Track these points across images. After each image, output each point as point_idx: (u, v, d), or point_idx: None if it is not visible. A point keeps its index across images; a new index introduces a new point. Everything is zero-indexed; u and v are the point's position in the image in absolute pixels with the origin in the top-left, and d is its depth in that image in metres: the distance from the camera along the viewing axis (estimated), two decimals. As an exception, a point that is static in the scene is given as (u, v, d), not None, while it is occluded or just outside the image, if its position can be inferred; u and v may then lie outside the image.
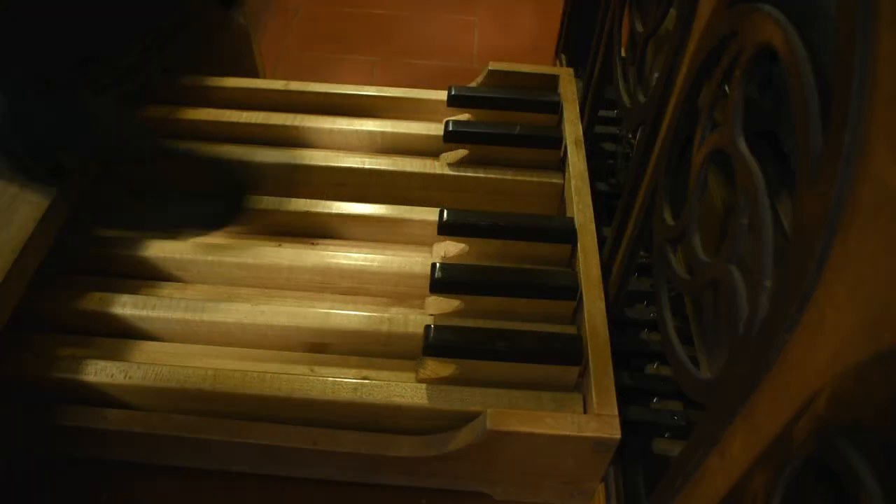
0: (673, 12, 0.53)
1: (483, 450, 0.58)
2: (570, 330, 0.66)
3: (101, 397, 0.61)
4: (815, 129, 0.28)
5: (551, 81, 0.90)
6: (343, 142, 0.83)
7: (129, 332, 0.66)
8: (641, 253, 0.65)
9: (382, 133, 0.83)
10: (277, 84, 0.87)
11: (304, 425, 0.60)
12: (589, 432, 0.55)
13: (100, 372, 0.59)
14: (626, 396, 0.64)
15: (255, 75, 1.01)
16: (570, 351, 0.61)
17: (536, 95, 0.86)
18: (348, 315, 0.65)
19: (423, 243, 0.76)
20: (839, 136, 0.24)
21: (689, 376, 0.42)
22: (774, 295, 0.30)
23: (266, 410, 0.61)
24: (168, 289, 0.71)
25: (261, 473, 0.65)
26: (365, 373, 0.64)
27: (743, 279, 0.36)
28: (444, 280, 0.66)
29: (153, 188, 0.76)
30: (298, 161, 0.78)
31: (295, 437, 0.60)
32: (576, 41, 1.04)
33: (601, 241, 0.72)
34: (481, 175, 0.79)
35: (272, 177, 0.79)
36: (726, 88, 0.41)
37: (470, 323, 0.64)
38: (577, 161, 0.78)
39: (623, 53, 0.70)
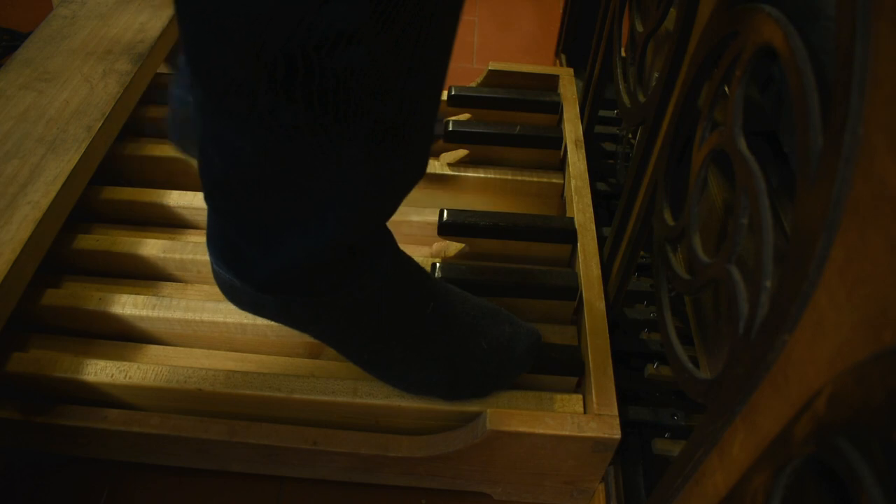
0: (673, 12, 0.53)
1: (483, 450, 0.58)
2: (570, 331, 0.66)
3: (101, 397, 0.61)
4: (815, 129, 0.28)
5: (551, 81, 0.90)
6: (343, 142, 0.83)
7: (129, 333, 0.66)
8: (641, 253, 0.65)
9: (382, 133, 0.82)
10: (277, 84, 0.87)
11: (304, 425, 0.60)
12: (589, 432, 0.55)
13: (100, 372, 0.59)
14: (626, 396, 0.64)
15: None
16: (570, 363, 0.61)
17: (536, 95, 0.87)
18: (348, 315, 0.65)
19: (423, 243, 0.76)
20: (839, 136, 0.24)
21: (689, 376, 0.42)
22: (774, 295, 0.30)
23: (266, 411, 0.61)
24: (168, 289, 0.71)
25: (261, 473, 0.65)
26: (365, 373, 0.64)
27: (743, 279, 0.36)
28: (445, 280, 0.66)
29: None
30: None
31: (295, 437, 0.60)
32: (576, 41, 1.04)
33: (601, 241, 0.72)
34: (481, 175, 0.79)
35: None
36: (726, 88, 0.41)
37: (470, 323, 0.64)
38: (577, 161, 0.78)
39: (623, 53, 0.70)
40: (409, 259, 0.58)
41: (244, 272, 0.51)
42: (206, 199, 0.48)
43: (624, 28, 0.70)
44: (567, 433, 0.55)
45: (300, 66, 0.36)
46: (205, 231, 0.76)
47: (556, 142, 0.82)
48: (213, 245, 0.52)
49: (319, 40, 0.35)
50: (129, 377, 0.59)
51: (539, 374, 0.61)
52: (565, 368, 0.61)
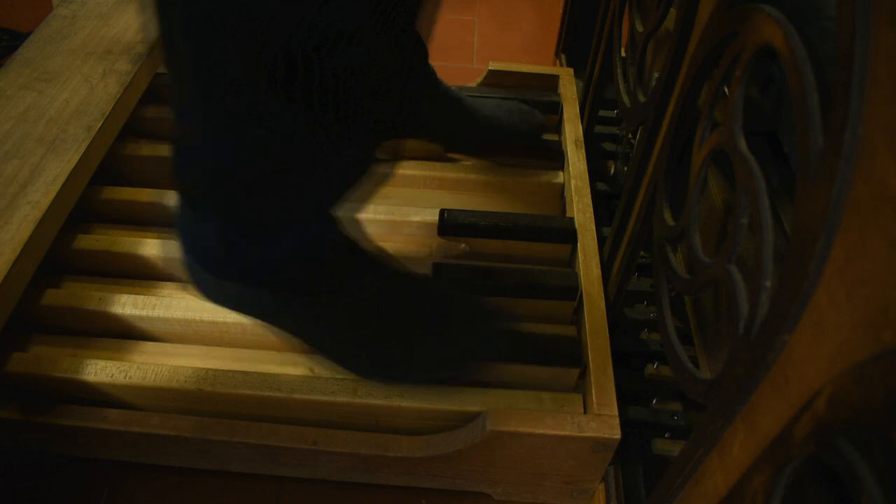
0: (673, 12, 0.53)
1: (483, 450, 0.58)
2: (570, 331, 0.66)
3: (101, 397, 0.61)
4: (815, 129, 0.27)
5: (551, 81, 0.90)
6: (343, 142, 0.83)
7: (129, 332, 0.66)
8: (641, 253, 0.65)
9: (382, 133, 0.82)
10: (277, 84, 0.87)
11: (304, 425, 0.60)
12: (589, 432, 0.55)
13: (100, 372, 0.59)
14: (626, 396, 0.64)
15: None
16: (569, 354, 0.61)
17: (536, 95, 0.86)
18: (348, 315, 0.65)
19: (423, 243, 0.76)
20: (839, 136, 0.24)
21: (689, 376, 0.42)
22: (774, 295, 0.30)
23: (266, 410, 0.61)
24: (168, 289, 0.71)
25: (261, 473, 0.65)
26: (365, 373, 0.64)
27: (743, 279, 0.36)
28: (444, 280, 0.66)
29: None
30: (298, 161, 0.78)
31: (295, 437, 0.60)
32: (576, 41, 1.04)
33: (601, 241, 0.72)
34: (481, 175, 0.79)
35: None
36: (726, 89, 0.41)
37: (470, 323, 0.64)
38: (577, 161, 0.78)
39: (623, 53, 0.70)
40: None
41: (244, 273, 0.51)
42: (198, 198, 0.48)
43: (624, 28, 0.70)
44: (567, 433, 0.55)
45: (300, 65, 0.36)
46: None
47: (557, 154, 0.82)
48: (195, 246, 0.52)
49: (319, 40, 0.35)
50: (129, 377, 0.59)
51: (539, 365, 0.61)
52: (565, 360, 0.61)
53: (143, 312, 0.65)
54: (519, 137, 0.77)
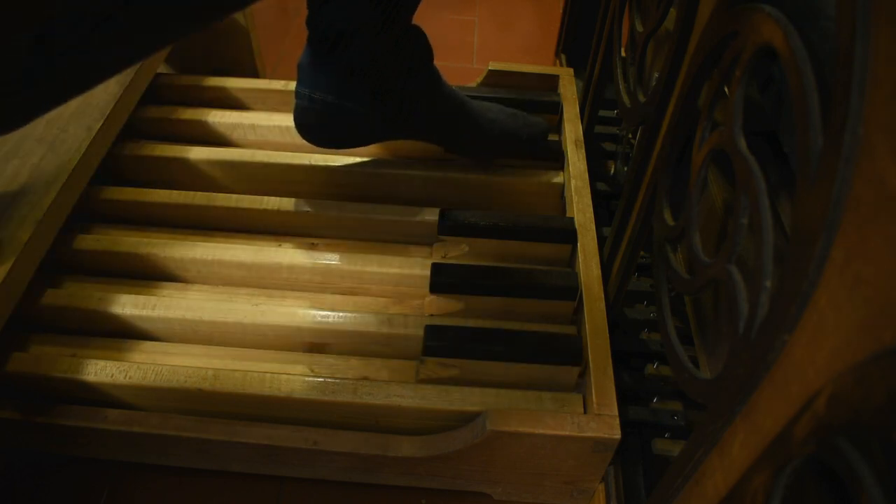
0: (673, 12, 0.53)
1: (483, 450, 0.58)
2: (569, 330, 0.66)
3: (101, 397, 0.61)
4: (815, 129, 0.28)
5: (551, 81, 0.90)
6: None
7: (129, 332, 0.66)
8: (641, 253, 0.65)
9: (382, 133, 0.82)
10: (278, 84, 0.88)
11: (304, 425, 0.60)
12: (589, 432, 0.55)
13: (100, 372, 0.59)
14: (626, 396, 0.64)
15: (255, 75, 1.01)
16: (569, 351, 0.61)
17: (536, 95, 0.87)
18: (348, 315, 0.65)
19: (423, 243, 0.76)
20: (839, 136, 0.24)
21: (689, 376, 0.42)
22: (774, 295, 0.30)
23: (266, 410, 0.61)
24: (168, 289, 0.71)
25: (261, 473, 0.65)
26: (365, 373, 0.64)
27: (743, 279, 0.36)
28: (444, 280, 0.66)
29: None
30: (299, 162, 0.78)
31: (295, 437, 0.60)
32: (576, 41, 1.04)
33: (601, 241, 0.72)
34: (481, 175, 0.79)
35: (273, 177, 0.79)
36: (726, 89, 0.41)
37: (470, 323, 0.64)
38: (577, 161, 0.78)
39: (623, 53, 0.70)
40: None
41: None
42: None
43: (624, 28, 0.70)
44: (567, 433, 0.55)
45: None
46: (204, 232, 0.76)
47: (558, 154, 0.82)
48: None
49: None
50: (129, 377, 0.59)
51: (541, 363, 0.61)
52: (566, 357, 0.61)
53: (143, 312, 0.65)
54: (521, 143, 0.78)
